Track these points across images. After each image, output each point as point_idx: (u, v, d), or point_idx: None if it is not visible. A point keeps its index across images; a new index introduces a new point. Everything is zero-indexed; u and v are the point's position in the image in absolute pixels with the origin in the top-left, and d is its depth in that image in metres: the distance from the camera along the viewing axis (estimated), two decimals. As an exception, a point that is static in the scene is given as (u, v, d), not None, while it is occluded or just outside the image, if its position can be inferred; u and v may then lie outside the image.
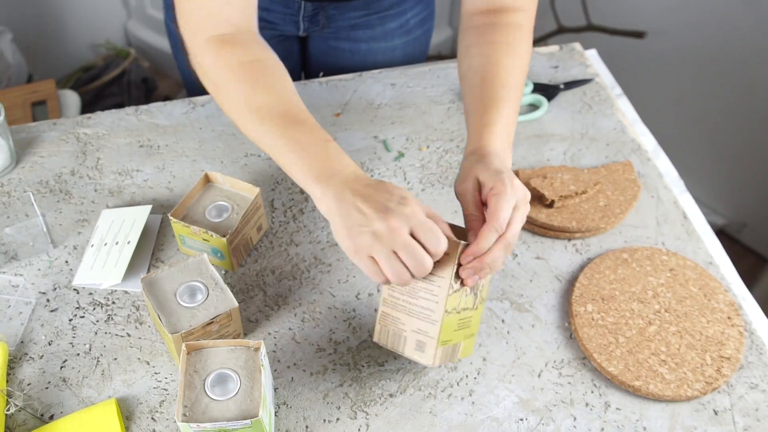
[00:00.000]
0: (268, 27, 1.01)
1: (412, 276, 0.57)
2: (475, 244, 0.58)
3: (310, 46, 1.09)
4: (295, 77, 1.14)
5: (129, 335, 0.72)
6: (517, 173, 0.86)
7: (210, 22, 0.68)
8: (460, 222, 0.80)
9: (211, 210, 0.78)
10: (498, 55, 0.72)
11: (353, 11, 1.00)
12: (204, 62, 0.68)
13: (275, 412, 0.66)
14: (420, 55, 1.11)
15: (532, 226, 0.82)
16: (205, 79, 0.69)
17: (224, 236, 0.73)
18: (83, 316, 0.74)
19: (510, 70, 0.71)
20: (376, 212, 0.56)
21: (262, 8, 0.98)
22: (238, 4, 0.69)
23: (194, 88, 1.09)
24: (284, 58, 1.06)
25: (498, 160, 0.63)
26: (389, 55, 1.07)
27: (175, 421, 0.65)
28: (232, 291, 0.68)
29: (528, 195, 0.62)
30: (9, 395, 0.66)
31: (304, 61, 1.14)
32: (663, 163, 0.92)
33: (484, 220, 0.60)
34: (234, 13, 0.69)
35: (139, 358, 0.70)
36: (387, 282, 0.58)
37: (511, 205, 0.59)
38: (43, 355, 0.70)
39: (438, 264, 0.59)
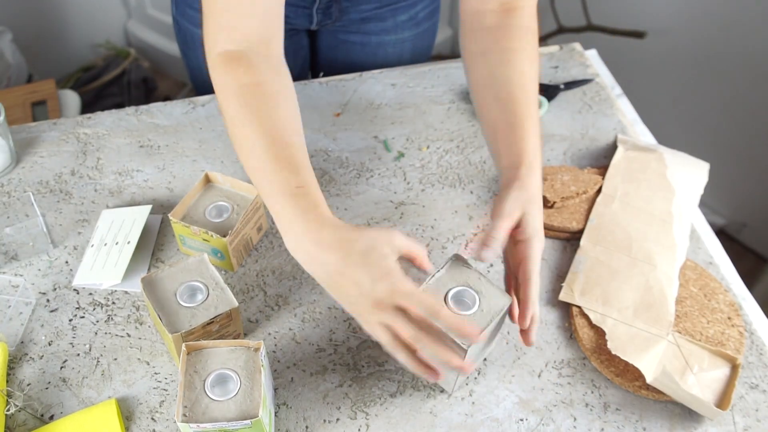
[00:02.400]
0: None
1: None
2: (523, 319, 0.63)
3: (319, 39, 1.09)
4: (304, 72, 1.14)
5: (129, 335, 0.72)
6: (517, 173, 0.86)
7: (226, 34, 0.66)
8: (458, 221, 0.79)
9: (211, 210, 0.78)
10: (522, 65, 0.71)
11: (366, 4, 1.00)
12: (212, 77, 0.67)
13: (275, 413, 0.66)
14: (427, 48, 1.11)
15: (532, 227, 0.82)
16: (216, 94, 0.68)
17: (224, 236, 0.73)
18: (83, 317, 0.74)
19: (533, 82, 0.71)
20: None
21: None
22: (261, 17, 0.66)
23: (202, 85, 1.09)
24: (294, 52, 1.04)
25: (534, 183, 0.65)
26: (399, 48, 1.07)
27: (175, 422, 0.65)
28: (232, 291, 0.68)
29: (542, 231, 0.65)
30: (9, 395, 0.66)
31: (313, 56, 1.13)
32: (663, 164, 0.92)
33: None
34: (253, 26, 0.66)
35: (139, 359, 0.70)
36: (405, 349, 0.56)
37: (539, 267, 0.63)
38: (43, 356, 0.70)
39: None
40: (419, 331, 0.55)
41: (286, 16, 1.00)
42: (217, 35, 0.67)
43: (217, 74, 0.66)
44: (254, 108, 0.63)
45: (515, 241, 0.64)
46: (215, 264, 0.78)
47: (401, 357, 0.57)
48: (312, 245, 0.57)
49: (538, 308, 0.63)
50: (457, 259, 0.65)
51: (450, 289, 0.63)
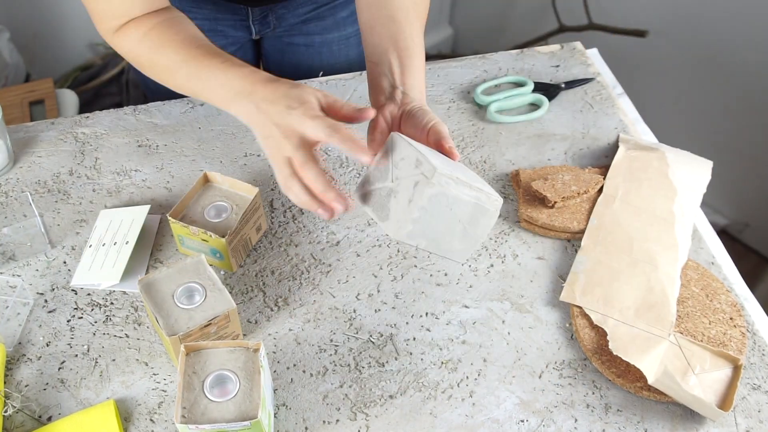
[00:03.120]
0: (219, 35, 1.01)
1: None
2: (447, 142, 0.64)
3: (264, 47, 1.09)
4: None
5: (127, 336, 0.72)
6: (518, 173, 0.86)
7: (111, 14, 0.71)
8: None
9: (210, 210, 0.77)
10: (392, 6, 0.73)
11: (302, 7, 1.00)
12: (117, 49, 0.73)
13: (275, 414, 0.66)
14: None
15: (533, 226, 0.81)
16: (130, 61, 0.74)
17: (223, 236, 0.73)
18: (81, 317, 0.73)
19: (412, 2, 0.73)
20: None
21: (211, 18, 0.99)
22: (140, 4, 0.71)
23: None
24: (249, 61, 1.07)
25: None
26: (344, 45, 1.06)
27: (173, 423, 0.65)
28: (231, 292, 0.67)
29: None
30: (7, 396, 0.66)
31: (262, 64, 1.13)
32: (664, 163, 0.92)
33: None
34: (136, 5, 0.71)
35: (137, 359, 0.70)
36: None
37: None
38: (41, 356, 0.70)
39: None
40: (309, 161, 0.61)
41: (225, 30, 1.01)
42: (103, 16, 0.72)
43: (118, 44, 0.72)
44: (162, 39, 0.70)
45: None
46: (214, 264, 0.77)
47: (294, 192, 0.62)
48: (248, 84, 0.64)
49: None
50: (400, 138, 0.63)
51: (437, 167, 0.58)
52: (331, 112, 0.64)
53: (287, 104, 0.61)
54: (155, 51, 0.70)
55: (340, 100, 0.64)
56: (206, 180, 0.79)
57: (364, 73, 1.01)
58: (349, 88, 0.99)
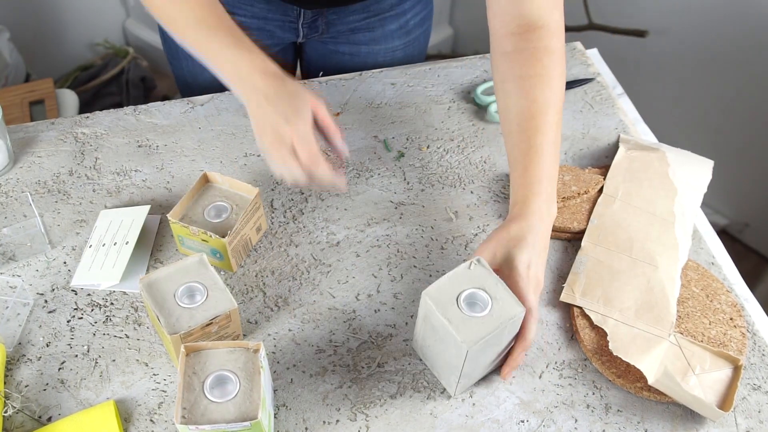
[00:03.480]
0: (266, 36, 1.01)
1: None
2: (513, 360, 0.66)
3: (308, 51, 1.08)
4: None
5: (127, 336, 0.72)
6: (517, 173, 0.86)
7: None
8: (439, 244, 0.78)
9: (210, 210, 0.77)
10: (534, 93, 0.71)
11: (353, 15, 0.99)
12: None
13: (274, 414, 0.66)
14: (419, 54, 1.11)
15: (533, 227, 0.81)
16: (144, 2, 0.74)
17: (223, 237, 0.72)
18: (81, 318, 0.73)
19: (547, 108, 0.71)
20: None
21: (260, 17, 0.98)
22: None
23: (187, 91, 1.09)
24: (282, 66, 1.07)
25: (535, 232, 0.67)
26: (389, 56, 1.06)
27: (173, 423, 0.65)
28: (231, 292, 0.67)
29: (541, 286, 0.67)
30: (7, 397, 0.66)
31: (302, 67, 1.13)
32: (664, 163, 0.92)
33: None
34: None
35: (137, 360, 0.70)
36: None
37: (537, 320, 0.65)
38: (41, 357, 0.70)
39: None
40: (302, 174, 0.67)
41: (273, 31, 1.00)
42: None
43: None
44: None
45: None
46: (214, 264, 0.77)
47: (286, 168, 0.67)
48: (257, 74, 0.67)
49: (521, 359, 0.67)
50: (479, 262, 0.64)
51: (464, 290, 0.63)
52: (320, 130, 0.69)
53: (284, 112, 0.66)
54: (169, 4, 0.71)
55: (332, 125, 0.69)
56: (206, 180, 0.79)
57: (364, 73, 1.02)
58: (350, 88, 0.99)
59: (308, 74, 1.12)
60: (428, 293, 0.62)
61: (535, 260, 0.66)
